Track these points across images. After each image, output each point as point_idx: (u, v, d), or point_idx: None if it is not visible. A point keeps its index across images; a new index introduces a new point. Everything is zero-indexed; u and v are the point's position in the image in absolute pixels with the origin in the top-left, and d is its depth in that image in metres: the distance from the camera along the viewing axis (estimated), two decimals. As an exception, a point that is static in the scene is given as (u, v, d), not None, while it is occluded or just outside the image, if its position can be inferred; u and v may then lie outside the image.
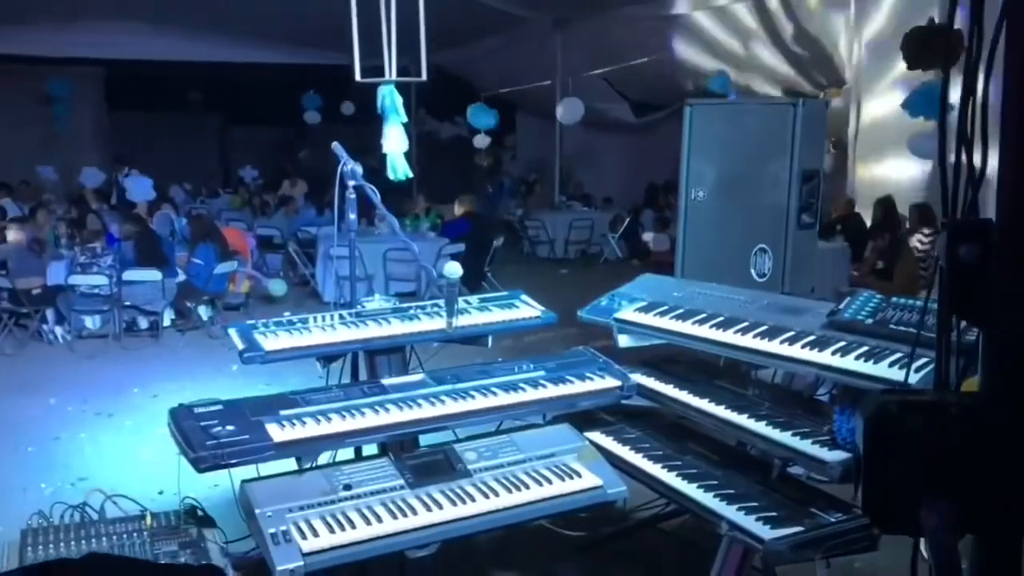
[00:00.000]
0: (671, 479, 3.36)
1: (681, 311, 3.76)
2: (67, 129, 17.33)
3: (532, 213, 15.23)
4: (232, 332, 3.49)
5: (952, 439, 1.23)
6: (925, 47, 7.56)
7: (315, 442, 3.11)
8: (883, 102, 9.47)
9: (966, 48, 1.28)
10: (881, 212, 9.42)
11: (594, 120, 15.83)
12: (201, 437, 2.97)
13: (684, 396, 3.59)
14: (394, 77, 5.48)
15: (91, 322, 9.00)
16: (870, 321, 3.17)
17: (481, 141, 16.13)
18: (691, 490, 3.25)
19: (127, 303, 8.84)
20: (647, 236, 13.00)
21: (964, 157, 1.28)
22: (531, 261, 14.36)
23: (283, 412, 3.17)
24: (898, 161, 9.26)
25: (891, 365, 2.88)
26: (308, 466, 3.19)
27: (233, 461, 2.94)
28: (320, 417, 3.18)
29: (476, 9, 12.75)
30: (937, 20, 7.23)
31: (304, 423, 3.13)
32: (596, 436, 3.75)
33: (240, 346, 3.37)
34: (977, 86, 1.29)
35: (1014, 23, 1.23)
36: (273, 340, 3.43)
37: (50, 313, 8.86)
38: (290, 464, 3.16)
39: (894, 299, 3.28)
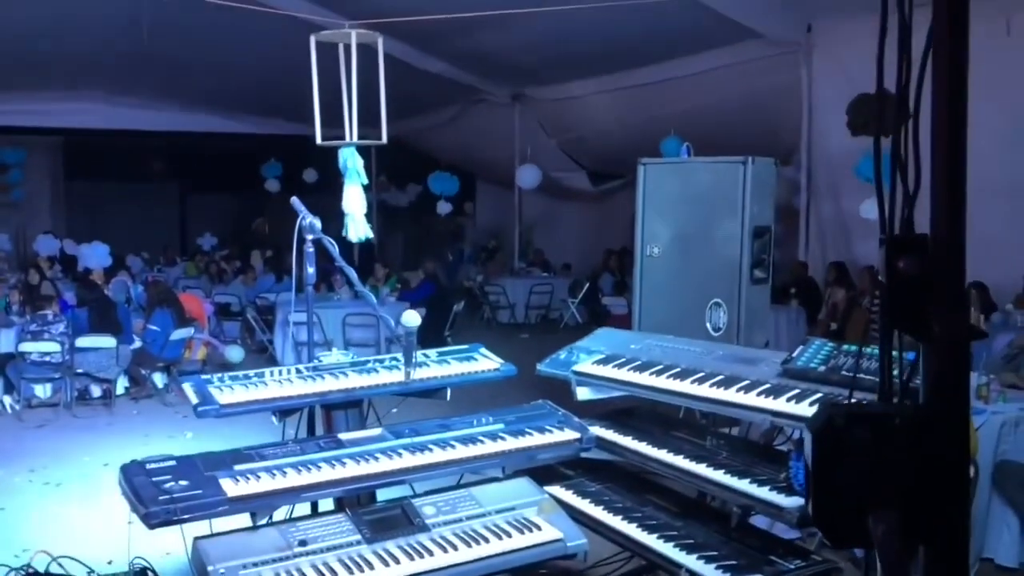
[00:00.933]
0: (632, 531, 3.34)
1: (639, 363, 3.79)
2: (21, 198, 17.17)
3: (492, 279, 15.30)
4: (186, 386, 3.44)
5: (897, 448, 1.26)
6: (868, 114, 7.84)
7: (270, 497, 3.06)
8: (836, 169, 9.75)
9: (897, 78, 1.35)
10: (835, 274, 9.63)
11: (552, 188, 16.07)
12: (153, 492, 2.91)
13: (643, 447, 3.60)
14: (354, 140, 5.55)
15: (41, 390, 8.78)
16: (823, 368, 3.22)
17: (443, 208, 16.27)
18: (651, 541, 3.23)
19: (79, 370, 8.66)
20: (606, 300, 13.11)
21: (899, 178, 1.33)
22: (492, 326, 14.36)
23: (237, 467, 3.12)
24: (851, 223, 9.49)
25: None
26: (263, 522, 3.13)
27: (186, 516, 2.87)
28: (275, 471, 3.13)
29: (435, 81, 13.01)
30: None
31: (259, 477, 3.08)
32: (556, 489, 3.73)
33: (194, 400, 3.32)
34: (908, 113, 1.36)
35: (938, 56, 1.30)
36: (229, 394, 3.38)
37: (-2, 381, 8.64)
38: (245, 520, 3.10)
39: (844, 347, 3.34)
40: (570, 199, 17.15)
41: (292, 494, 3.12)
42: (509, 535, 3.22)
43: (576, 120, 14.22)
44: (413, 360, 3.44)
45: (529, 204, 16.76)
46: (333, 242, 3.66)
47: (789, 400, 3.13)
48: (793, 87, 10.37)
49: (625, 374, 3.77)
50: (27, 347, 8.46)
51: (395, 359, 3.69)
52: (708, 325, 4.23)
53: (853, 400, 2.37)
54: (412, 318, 3.31)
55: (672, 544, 3.16)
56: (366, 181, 5.46)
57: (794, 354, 3.37)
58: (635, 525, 3.36)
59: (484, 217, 20.12)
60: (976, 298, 7.97)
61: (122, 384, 9.08)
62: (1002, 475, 4.69)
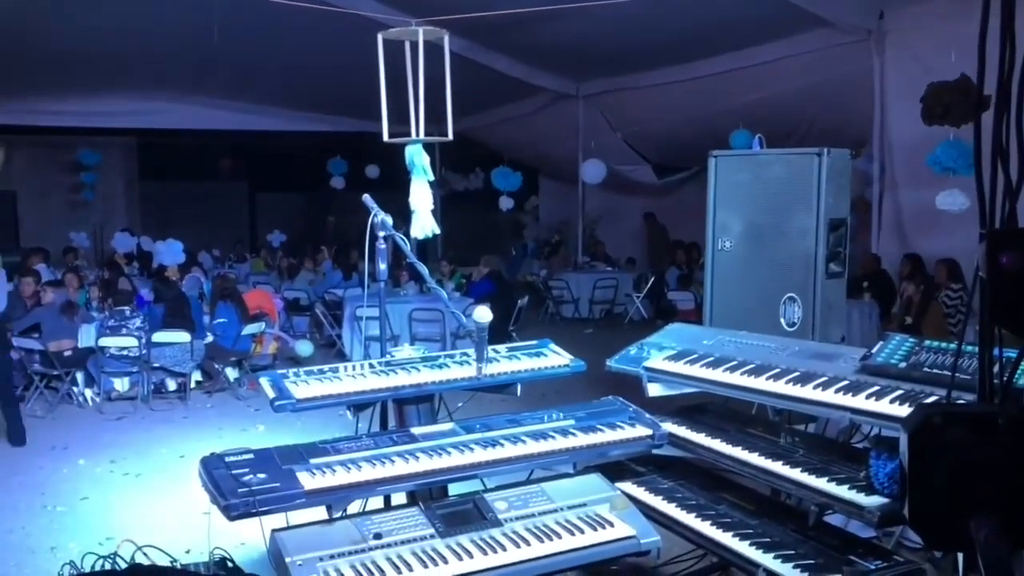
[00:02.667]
0: (706, 528, 3.30)
1: (711, 359, 3.74)
2: (97, 197, 17.75)
3: (555, 274, 15.29)
4: (263, 380, 3.50)
5: (998, 450, 1.22)
6: (944, 104, 7.61)
7: (346, 490, 3.09)
8: (909, 159, 9.49)
9: (1000, 63, 1.30)
10: (910, 268, 9.38)
11: (616, 182, 15.98)
12: (232, 485, 2.97)
13: (717, 444, 3.55)
14: (421, 136, 5.59)
15: (120, 384, 9.06)
16: (903, 365, 3.14)
17: (505, 203, 16.30)
18: (727, 539, 3.19)
19: (156, 365, 8.91)
20: (672, 295, 12.98)
21: (1000, 169, 1.29)
22: (555, 321, 14.36)
23: (313, 460, 3.17)
24: (925, 215, 9.23)
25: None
26: (338, 515, 3.18)
27: (264, 509, 2.93)
28: (350, 465, 3.17)
29: (499, 76, 13.04)
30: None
31: (334, 471, 3.12)
32: (627, 486, 3.70)
33: (271, 394, 3.37)
34: (1011, 100, 1.30)
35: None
36: (304, 388, 3.44)
37: (80, 375, 8.94)
38: (321, 514, 3.15)
39: (927, 342, 3.25)
40: (634, 193, 17.03)
41: (367, 487, 3.15)
42: (581, 531, 3.21)
43: (641, 113, 14.11)
44: (485, 355, 3.45)
45: (592, 198, 16.70)
46: (405, 239, 3.69)
47: (868, 397, 3.06)
48: (864, 76, 10.11)
49: (698, 370, 3.73)
50: (106, 342, 8.74)
51: (465, 354, 3.71)
52: (782, 320, 4.15)
53: (949, 400, 2.31)
54: (483, 314, 3.32)
55: (748, 542, 3.12)
56: (432, 178, 5.49)
57: (873, 350, 3.29)
58: (709, 523, 3.32)
59: (547, 211, 20.11)
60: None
61: (196, 378, 9.32)
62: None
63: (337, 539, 3.04)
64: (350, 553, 2.99)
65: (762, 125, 11.36)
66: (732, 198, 4.42)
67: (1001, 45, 1.26)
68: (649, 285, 14.28)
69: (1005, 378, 1.28)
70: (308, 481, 3.04)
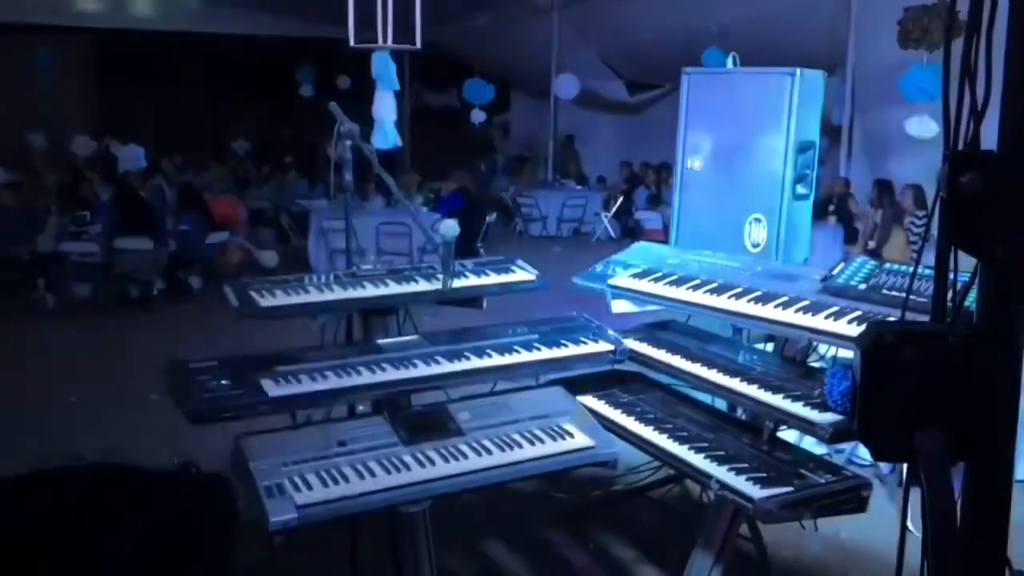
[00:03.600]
0: (662, 441, 3.39)
1: (675, 277, 3.78)
2: (54, 98, 17.20)
3: (525, 191, 15.22)
4: (227, 290, 3.48)
5: (946, 368, 1.25)
6: (921, 27, 7.57)
7: (310, 398, 3.12)
8: (881, 84, 9.47)
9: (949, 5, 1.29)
10: (878, 192, 9.45)
11: (589, 99, 15.80)
12: (196, 390, 2.97)
13: (677, 361, 3.61)
14: (388, 44, 5.46)
15: (82, 290, 8.97)
16: (863, 287, 3.19)
17: (476, 116, 16.08)
18: (682, 451, 3.27)
19: (117, 271, 8.81)
20: (639, 214, 13.02)
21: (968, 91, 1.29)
22: (524, 239, 14.37)
23: (278, 368, 3.18)
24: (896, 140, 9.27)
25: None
26: (303, 422, 3.21)
27: (227, 414, 2.94)
28: (316, 374, 3.18)
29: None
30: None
31: (299, 380, 3.14)
32: (588, 400, 3.77)
33: (234, 302, 3.36)
34: (982, 24, 1.30)
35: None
36: (269, 298, 3.42)
37: (41, 280, 8.83)
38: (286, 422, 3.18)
39: (887, 265, 3.30)
40: (607, 111, 16.87)
41: (332, 396, 3.17)
42: (542, 441, 3.27)
43: (616, 27, 13.86)
44: (452, 269, 3.45)
45: (565, 114, 16.52)
46: (372, 149, 3.64)
47: (827, 317, 3.11)
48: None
49: (662, 288, 3.76)
50: (66, 247, 8.61)
51: (432, 268, 3.70)
52: (747, 240, 4.19)
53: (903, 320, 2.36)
54: (451, 228, 3.30)
55: (703, 455, 3.20)
56: (398, 87, 5.38)
57: (834, 271, 3.34)
58: (666, 436, 3.40)
59: (518, 127, 19.89)
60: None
61: (159, 287, 9.24)
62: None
63: (301, 446, 3.07)
64: (314, 459, 3.03)
65: (736, 44, 11.24)
66: (703, 117, 4.40)
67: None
68: (618, 204, 14.29)
69: (957, 299, 1.30)
70: (273, 388, 3.05)
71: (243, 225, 11.03)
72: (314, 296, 3.45)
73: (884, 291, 3.12)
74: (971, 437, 1.27)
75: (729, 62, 4.62)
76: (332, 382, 3.16)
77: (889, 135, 9.43)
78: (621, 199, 14.35)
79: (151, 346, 7.28)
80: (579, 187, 15.55)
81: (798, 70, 4.00)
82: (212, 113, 21.25)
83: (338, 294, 3.49)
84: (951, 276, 1.32)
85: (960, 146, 1.28)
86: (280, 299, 3.42)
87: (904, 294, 2.99)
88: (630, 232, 13.48)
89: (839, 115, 10.50)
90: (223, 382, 3.04)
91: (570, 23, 14.48)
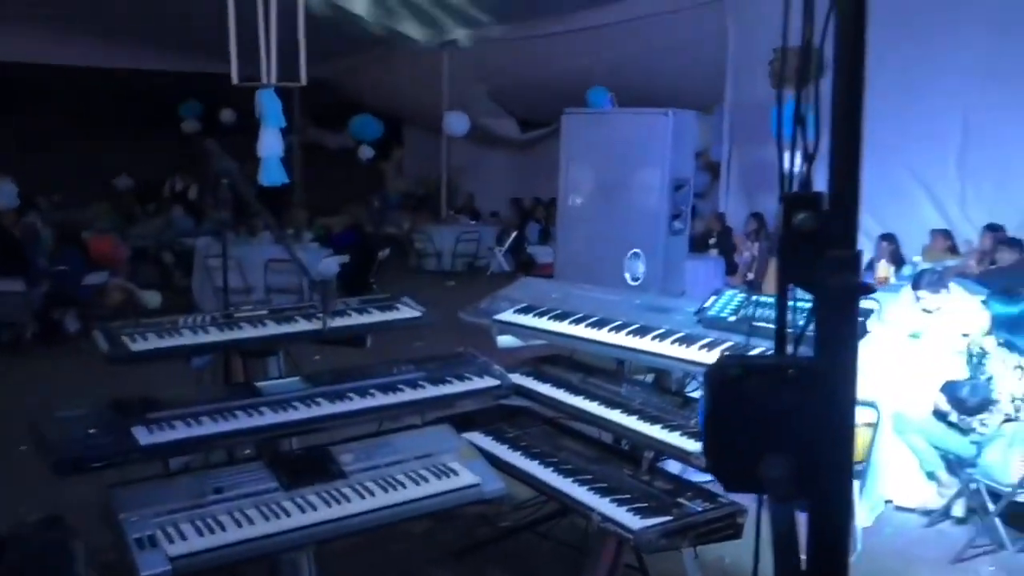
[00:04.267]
0: (546, 475, 3.42)
1: (558, 312, 3.84)
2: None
3: (419, 226, 15.21)
4: (96, 334, 3.35)
5: (789, 398, 1.31)
6: (787, 68, 7.97)
7: (185, 445, 3.02)
8: (755, 121, 9.90)
9: (801, 48, 1.38)
10: (755, 224, 9.84)
11: (481, 135, 15.96)
12: (62, 440, 2.85)
13: (560, 394, 3.67)
14: (272, 81, 5.41)
15: (-55, 336, 8.47)
16: (733, 318, 3.31)
17: (365, 152, 16.02)
18: (566, 485, 3.31)
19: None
20: (532, 249, 13.17)
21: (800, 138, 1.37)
22: (418, 274, 14.32)
23: (151, 415, 3.07)
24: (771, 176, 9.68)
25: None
26: (177, 470, 3.10)
27: (95, 465, 2.82)
28: (191, 420, 3.09)
29: (362, 23, 12.71)
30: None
31: (173, 426, 3.04)
32: (474, 436, 3.78)
33: (105, 347, 3.24)
34: (811, 79, 1.39)
35: (841, 25, 1.33)
36: (141, 342, 3.31)
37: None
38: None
39: (755, 297, 3.44)
40: (499, 146, 17.07)
41: (207, 442, 3.09)
42: (427, 480, 3.25)
43: (505, 66, 14.09)
44: (331, 308, 3.41)
45: (457, 151, 16.63)
46: (250, 187, 3.58)
47: (701, 348, 3.22)
48: (719, 37, 10.45)
49: (544, 323, 3.82)
50: (-71, 290, 8.13)
51: (314, 307, 3.65)
52: (627, 274, 4.30)
53: (755, 351, 2.46)
54: (329, 266, 3.28)
55: (586, 488, 3.25)
56: (284, 124, 5.33)
57: (707, 304, 3.46)
58: (551, 470, 3.44)
59: (411, 163, 19.90)
60: (887, 250, 8.27)
61: (32, 329, 8.80)
62: (901, 421, 4.92)
63: (175, 495, 2.97)
64: (189, 508, 2.93)
65: (620, 82, 11.61)
66: (584, 155, 4.51)
67: (804, 18, 1.34)
68: (511, 239, 14.42)
69: (798, 332, 1.37)
70: (145, 436, 2.95)
71: (124, 264, 10.64)
72: (189, 339, 3.36)
73: (754, 322, 3.24)
74: (814, 465, 1.33)
75: (607, 102, 4.76)
76: (208, 427, 3.07)
77: (764, 170, 9.85)
78: (514, 234, 14.50)
79: (22, 393, 6.91)
80: (472, 222, 15.64)
81: (671, 110, 4.15)
82: (93, 149, 20.47)
83: (214, 336, 3.40)
84: (791, 310, 1.38)
85: (794, 188, 1.35)
86: (153, 343, 3.31)
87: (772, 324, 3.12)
88: (524, 266, 13.62)
89: (718, 151, 10.92)
90: (91, 431, 2.92)
91: (461, 61, 14.64)
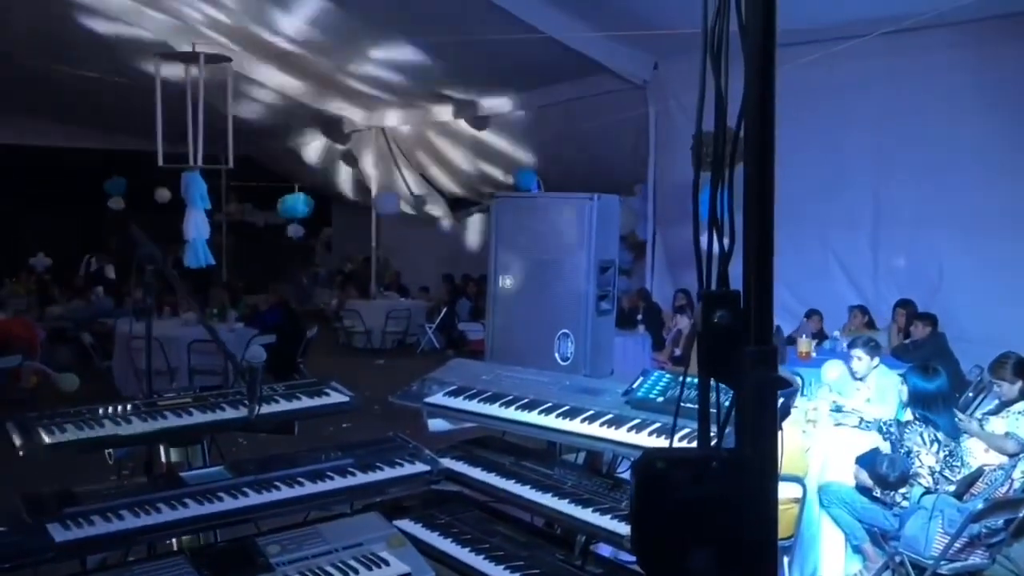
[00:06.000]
0: (478, 562, 3.38)
1: (488, 394, 3.85)
2: None
3: (347, 303, 15.11)
4: (10, 426, 3.23)
5: (712, 488, 1.35)
6: (707, 151, 8.29)
7: (103, 542, 2.91)
8: (678, 202, 10.21)
9: (715, 147, 1.45)
10: (684, 301, 10.06)
11: (411, 214, 16.08)
12: (-34, 541, 2.71)
13: (491, 478, 3.64)
14: (198, 164, 5.40)
15: None
16: (661, 399, 3.37)
17: (294, 231, 15.96)
18: (497, 572, 3.27)
19: None
20: (463, 326, 13.18)
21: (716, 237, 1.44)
22: (347, 352, 14.17)
23: (67, 510, 2.95)
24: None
25: (681, 439, 3.06)
26: (94, 567, 2.98)
27: (5, 566, 2.69)
28: (110, 514, 2.98)
29: (292, 104, 12.80)
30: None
31: (92, 522, 2.92)
32: (405, 523, 3.71)
33: (18, 441, 3.12)
34: (725, 179, 1.46)
35: (749, 126, 1.41)
36: (58, 434, 3.19)
37: None
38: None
39: (681, 378, 3.50)
40: (430, 224, 17.20)
41: (127, 538, 2.97)
42: (356, 571, 3.18)
43: (434, 147, 14.31)
44: (258, 396, 3.36)
45: (387, 227, 16.69)
46: (175, 275, 3.54)
47: (629, 430, 3.25)
48: (642, 121, 10.82)
49: (475, 405, 3.82)
50: None
51: (240, 393, 3.59)
52: (556, 355, 4.35)
53: (685, 432, 2.50)
54: (257, 354, 3.24)
55: (518, 574, 3.21)
56: (209, 206, 5.30)
57: (634, 385, 3.51)
58: (482, 556, 3.40)
59: (340, 240, 19.88)
60: (811, 325, 8.53)
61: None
62: (826, 495, 5.01)
63: (91, 595, 2.85)
64: (105, 609, 2.81)
65: (549, 163, 11.92)
66: (512, 238, 4.59)
67: (716, 118, 1.41)
68: (441, 316, 14.42)
69: (720, 424, 1.42)
70: (60, 533, 2.83)
71: (40, 347, 10.28)
72: (109, 430, 3.26)
73: (680, 404, 3.30)
74: (738, 556, 1.36)
75: (534, 185, 4.88)
76: (128, 522, 2.96)
77: (688, 248, 10.13)
78: (444, 311, 14.50)
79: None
80: (402, 299, 15.61)
81: (596, 195, 4.28)
82: (9, 227, 19.93)
83: (137, 427, 3.31)
84: (713, 404, 1.43)
85: (712, 286, 1.41)
86: (70, 434, 3.20)
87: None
88: (454, 343, 13.60)
89: (643, 230, 11.20)
90: (1, 529, 2.79)
91: (390, 142, 14.83)
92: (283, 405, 3.64)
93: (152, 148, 8.83)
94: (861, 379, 6.30)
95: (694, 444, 1.55)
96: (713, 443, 1.44)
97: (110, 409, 3.39)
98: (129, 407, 3.40)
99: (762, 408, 1.35)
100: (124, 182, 17.52)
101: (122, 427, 3.28)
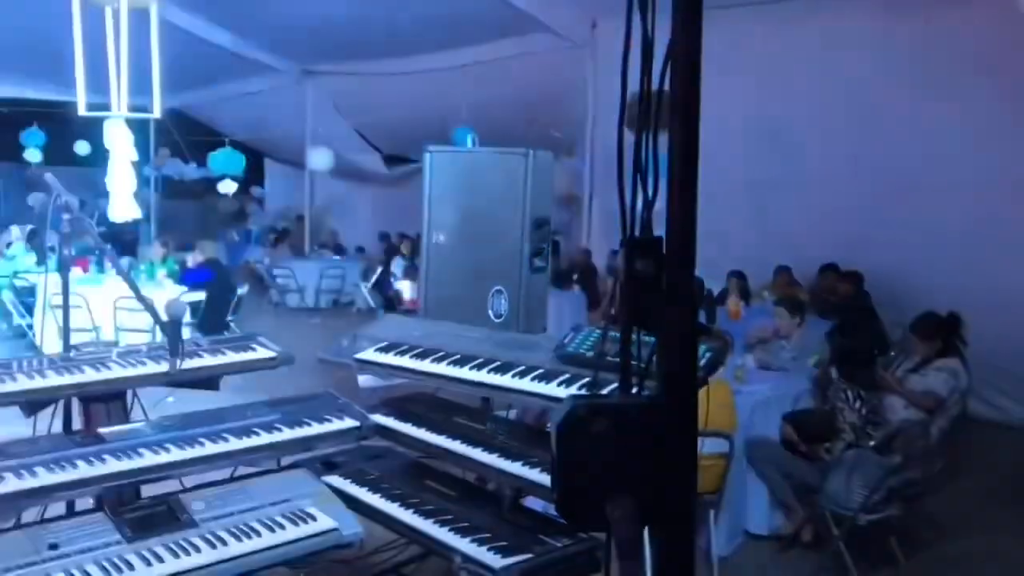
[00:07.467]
0: (407, 516, 3.37)
1: (420, 350, 3.81)
2: None
3: (281, 261, 14.85)
4: (-83, 380, 3.09)
5: (633, 437, 1.34)
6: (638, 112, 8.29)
7: (15, 498, 2.82)
8: (612, 162, 10.22)
9: (641, 95, 1.43)
10: (614, 260, 10.12)
11: (346, 170, 15.81)
12: None
13: (422, 434, 3.63)
14: (123, 112, 5.19)
15: None
16: (590, 354, 3.38)
17: (226, 187, 15.59)
18: (425, 526, 3.27)
19: None
20: (398, 285, 13.08)
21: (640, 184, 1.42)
22: (280, 311, 13.97)
23: (-23, 467, 2.85)
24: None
25: (609, 393, 3.08)
26: (7, 526, 2.89)
27: (-91, 524, 2.60)
28: (24, 471, 2.89)
29: (222, 53, 12.42)
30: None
31: (3, 478, 2.83)
32: (334, 479, 3.69)
33: (-73, 395, 2.99)
34: (649, 125, 1.44)
35: (675, 75, 1.39)
36: (-32, 388, 3.07)
37: None
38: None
39: (612, 333, 3.51)
40: (365, 181, 16.95)
41: (43, 494, 2.89)
42: (282, 527, 3.15)
43: (370, 102, 14.04)
44: (180, 350, 3.27)
45: (322, 185, 16.41)
46: (93, 224, 3.41)
47: (560, 384, 3.26)
48: (579, 81, 10.76)
49: (406, 361, 3.78)
50: None
51: (163, 348, 3.49)
52: (490, 312, 4.33)
53: (614, 387, 2.51)
54: (178, 308, 3.15)
55: (447, 528, 3.21)
56: (136, 157, 5.11)
57: (565, 340, 3.51)
58: (411, 511, 3.38)
59: (274, 197, 19.50)
60: (736, 286, 8.66)
61: None
62: (752, 450, 5.13)
63: (5, 553, 2.76)
64: (19, 567, 2.73)
65: (486, 123, 11.80)
66: (446, 193, 4.53)
67: (641, 66, 1.39)
68: (377, 274, 14.29)
69: (641, 372, 1.41)
70: (-30, 490, 2.74)
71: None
72: (23, 384, 3.15)
73: (609, 358, 3.31)
74: (659, 502, 1.36)
75: (469, 141, 4.81)
76: (42, 479, 2.87)
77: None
78: (380, 269, 14.37)
79: None
80: (337, 257, 15.41)
81: (531, 151, 4.23)
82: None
83: (51, 380, 3.20)
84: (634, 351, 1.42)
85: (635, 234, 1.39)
86: (-18, 389, 3.08)
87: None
88: (390, 302, 13.50)
89: (581, 190, 11.22)
90: (-92, 487, 2.69)
91: (323, 95, 14.50)
92: (207, 360, 3.56)
93: (70, 98, 8.48)
94: (784, 338, 6.44)
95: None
96: (634, 392, 1.43)
97: (24, 363, 3.27)
98: (45, 360, 3.29)
99: (682, 355, 1.34)
100: (43, 135, 16.84)
101: (36, 381, 3.17)
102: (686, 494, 1.39)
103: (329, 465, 3.86)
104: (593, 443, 1.34)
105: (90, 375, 3.29)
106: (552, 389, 3.25)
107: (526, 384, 3.36)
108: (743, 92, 8.05)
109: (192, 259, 11.01)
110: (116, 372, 3.34)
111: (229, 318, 10.13)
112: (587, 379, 3.25)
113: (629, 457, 1.35)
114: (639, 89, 1.48)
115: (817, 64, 8.57)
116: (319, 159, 14.41)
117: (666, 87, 1.42)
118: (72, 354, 3.41)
